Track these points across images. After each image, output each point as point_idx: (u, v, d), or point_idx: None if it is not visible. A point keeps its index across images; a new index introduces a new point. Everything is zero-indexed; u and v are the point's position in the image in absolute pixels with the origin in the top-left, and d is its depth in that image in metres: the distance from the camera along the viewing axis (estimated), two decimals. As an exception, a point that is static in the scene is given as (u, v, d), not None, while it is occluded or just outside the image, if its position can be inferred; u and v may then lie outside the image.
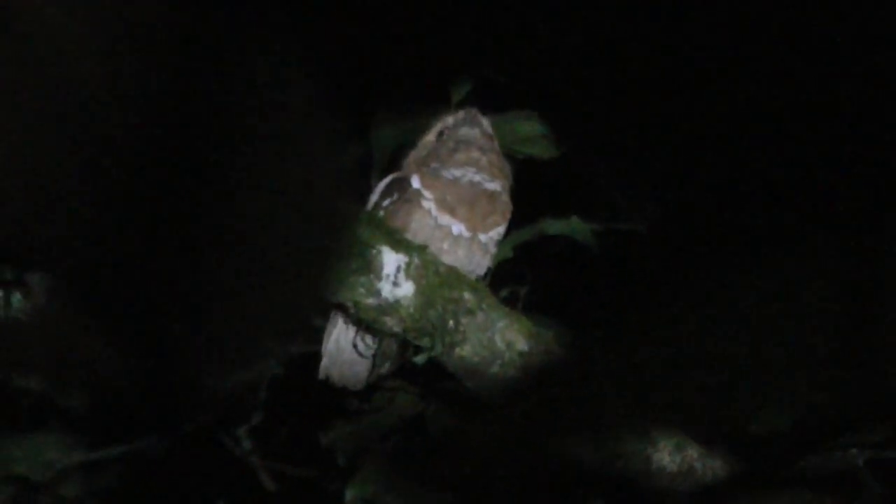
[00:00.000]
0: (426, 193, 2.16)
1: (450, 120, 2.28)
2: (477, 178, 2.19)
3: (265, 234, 0.94)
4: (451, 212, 2.14)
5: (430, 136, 2.29)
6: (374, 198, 2.22)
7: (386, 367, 2.32)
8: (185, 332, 0.96)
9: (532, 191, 2.34)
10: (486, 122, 2.27)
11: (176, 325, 0.95)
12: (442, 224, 2.13)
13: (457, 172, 2.18)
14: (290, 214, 0.95)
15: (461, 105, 2.50)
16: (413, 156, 2.31)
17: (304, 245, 0.98)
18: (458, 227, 2.14)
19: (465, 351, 1.99)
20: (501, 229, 2.22)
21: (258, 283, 0.96)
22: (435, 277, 1.97)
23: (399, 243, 1.95)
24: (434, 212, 2.14)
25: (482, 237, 2.16)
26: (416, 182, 2.18)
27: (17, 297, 1.86)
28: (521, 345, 2.00)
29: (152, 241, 0.89)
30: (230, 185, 0.90)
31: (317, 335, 2.29)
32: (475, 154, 2.20)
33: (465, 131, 2.23)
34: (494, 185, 2.20)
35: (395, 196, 2.19)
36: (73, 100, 0.81)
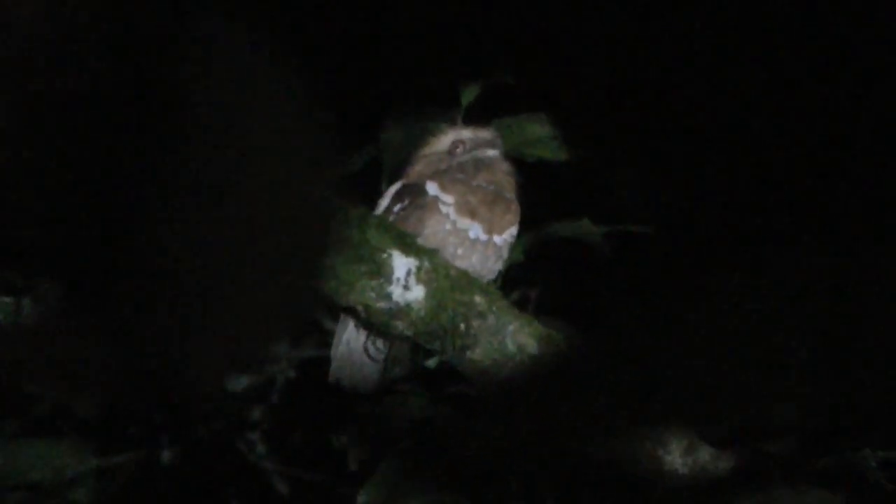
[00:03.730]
0: (445, 198, 2.17)
1: (466, 134, 2.30)
2: (495, 188, 2.21)
3: (255, 232, 0.94)
4: (472, 214, 2.16)
5: (442, 146, 2.29)
6: (384, 202, 2.23)
7: (397, 371, 2.32)
8: (178, 333, 0.96)
9: (542, 193, 2.35)
10: (500, 142, 2.30)
11: (170, 327, 0.95)
12: (460, 228, 2.15)
13: (481, 183, 2.21)
14: (279, 212, 0.95)
15: (471, 109, 2.51)
16: (424, 162, 2.30)
17: (294, 242, 0.98)
18: (475, 231, 2.15)
19: (476, 354, 1.98)
20: (514, 230, 2.24)
21: (250, 283, 0.96)
22: (446, 281, 1.97)
23: (409, 247, 1.95)
24: (452, 215, 2.16)
25: (497, 239, 2.18)
26: (432, 189, 2.19)
27: (27, 303, 1.87)
28: (532, 347, 2.00)
29: (139, 246, 0.89)
30: (219, 186, 0.90)
31: (328, 339, 2.29)
32: (499, 177, 2.23)
33: (490, 154, 2.26)
34: (510, 196, 2.23)
35: (406, 202, 2.19)
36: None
